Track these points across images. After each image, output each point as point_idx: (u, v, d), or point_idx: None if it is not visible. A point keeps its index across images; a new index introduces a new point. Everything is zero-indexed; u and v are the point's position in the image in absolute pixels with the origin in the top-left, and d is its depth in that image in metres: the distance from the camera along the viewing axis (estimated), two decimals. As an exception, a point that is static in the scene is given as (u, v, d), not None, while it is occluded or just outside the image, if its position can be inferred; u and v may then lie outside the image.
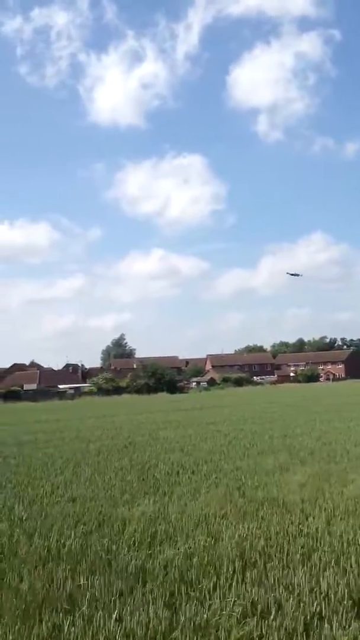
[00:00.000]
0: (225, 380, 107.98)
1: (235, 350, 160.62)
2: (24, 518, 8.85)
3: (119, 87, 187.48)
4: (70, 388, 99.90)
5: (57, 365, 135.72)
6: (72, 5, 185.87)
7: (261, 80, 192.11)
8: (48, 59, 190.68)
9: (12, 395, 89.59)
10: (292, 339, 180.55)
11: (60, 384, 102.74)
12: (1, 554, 7.14)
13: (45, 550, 7.14)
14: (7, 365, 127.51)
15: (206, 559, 6.65)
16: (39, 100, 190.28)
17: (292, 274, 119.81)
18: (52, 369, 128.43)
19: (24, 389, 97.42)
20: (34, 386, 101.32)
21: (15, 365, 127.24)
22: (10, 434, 25.37)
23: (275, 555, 6.70)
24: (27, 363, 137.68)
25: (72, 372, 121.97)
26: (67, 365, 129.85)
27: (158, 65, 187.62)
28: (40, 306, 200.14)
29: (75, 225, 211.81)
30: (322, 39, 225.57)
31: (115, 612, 5.26)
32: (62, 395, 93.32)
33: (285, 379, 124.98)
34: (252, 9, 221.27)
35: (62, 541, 7.48)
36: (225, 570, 6.30)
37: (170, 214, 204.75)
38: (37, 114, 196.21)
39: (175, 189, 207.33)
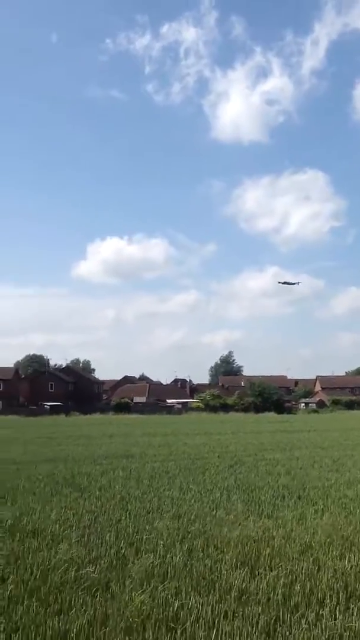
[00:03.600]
0: (335, 402, 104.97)
1: (347, 372, 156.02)
2: (131, 532, 9.11)
3: (244, 103, 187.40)
4: (178, 403, 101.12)
5: (166, 379, 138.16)
6: (200, 21, 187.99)
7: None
8: (175, 77, 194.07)
9: (123, 407, 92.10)
10: None
11: (168, 399, 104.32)
12: (110, 566, 7.39)
13: (151, 566, 7.32)
14: (119, 378, 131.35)
15: (309, 587, 6.59)
16: (163, 117, 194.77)
17: (285, 283, 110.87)
18: (161, 383, 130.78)
19: (134, 401, 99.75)
20: (143, 399, 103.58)
21: (125, 377, 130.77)
22: (119, 446, 26.09)
23: (382, 590, 6.52)
24: (137, 376, 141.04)
25: (181, 387, 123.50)
26: (176, 380, 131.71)
27: (283, 80, 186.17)
28: (154, 320, 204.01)
29: (191, 241, 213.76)
30: None
31: (218, 633, 5.35)
32: (169, 409, 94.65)
33: None
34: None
35: (168, 558, 7.65)
36: (329, 600, 6.22)
37: (287, 231, 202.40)
38: (161, 131, 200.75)
39: (294, 205, 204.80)
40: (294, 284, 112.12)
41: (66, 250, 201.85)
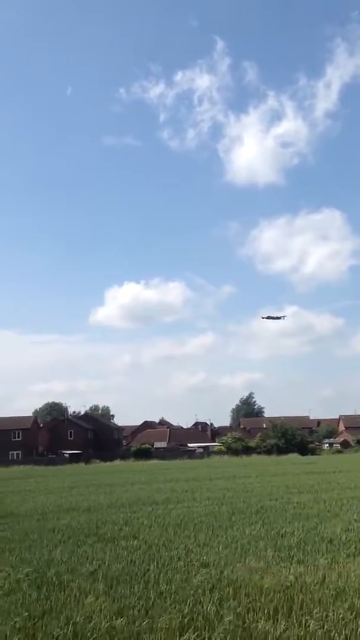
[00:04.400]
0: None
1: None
2: (159, 581, 8.90)
3: (258, 146, 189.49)
4: (200, 447, 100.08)
5: (187, 423, 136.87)
6: (213, 68, 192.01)
7: None
8: (189, 123, 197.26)
9: (143, 453, 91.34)
10: None
11: (189, 442, 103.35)
12: (137, 617, 7.21)
13: (181, 616, 7.13)
14: (138, 423, 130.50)
15: (345, 635, 6.38)
16: (179, 163, 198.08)
17: (269, 317, 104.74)
18: (182, 427, 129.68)
19: (155, 446, 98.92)
20: (164, 444, 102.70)
21: (145, 422, 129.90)
22: (142, 493, 25.77)
23: None
24: (157, 420, 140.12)
25: (202, 430, 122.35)
26: (197, 424, 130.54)
27: (297, 123, 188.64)
28: (172, 364, 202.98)
29: (208, 283, 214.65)
30: None
31: None
32: (191, 454, 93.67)
33: None
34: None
35: (199, 607, 7.45)
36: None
37: (305, 270, 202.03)
38: (176, 176, 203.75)
39: (311, 244, 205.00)
40: (279, 318, 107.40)
41: (84, 297, 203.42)
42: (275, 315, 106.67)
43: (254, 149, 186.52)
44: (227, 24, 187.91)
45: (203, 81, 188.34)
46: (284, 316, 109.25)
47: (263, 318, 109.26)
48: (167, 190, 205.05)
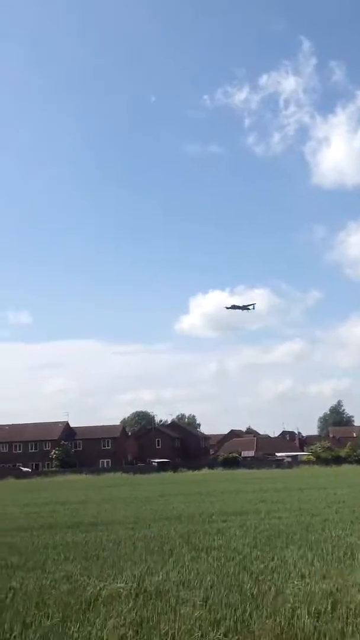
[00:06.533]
0: None
1: None
2: (254, 593, 8.82)
3: (346, 147, 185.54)
4: (288, 456, 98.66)
5: (273, 431, 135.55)
6: (298, 69, 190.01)
7: None
8: (275, 127, 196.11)
9: (231, 462, 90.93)
10: None
11: (277, 452, 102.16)
12: (235, 628, 7.17)
13: (279, 629, 7.03)
14: (225, 432, 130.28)
15: None
16: (263, 169, 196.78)
17: (234, 307, 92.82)
18: (269, 436, 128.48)
19: (242, 455, 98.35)
20: (251, 453, 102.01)
21: (232, 431, 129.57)
22: (232, 503, 25.67)
23: None
24: (244, 429, 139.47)
25: (289, 439, 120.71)
26: (284, 433, 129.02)
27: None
28: (258, 371, 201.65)
29: (294, 289, 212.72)
30: None
31: None
32: (279, 463, 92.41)
33: None
34: None
35: (296, 620, 7.33)
36: None
37: None
38: (262, 182, 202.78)
39: None
40: (246, 307, 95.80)
41: (169, 306, 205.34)
42: (241, 305, 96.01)
43: (341, 150, 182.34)
44: (313, 24, 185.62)
45: (289, 83, 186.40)
46: (252, 305, 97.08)
47: (227, 308, 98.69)
48: (252, 196, 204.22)
